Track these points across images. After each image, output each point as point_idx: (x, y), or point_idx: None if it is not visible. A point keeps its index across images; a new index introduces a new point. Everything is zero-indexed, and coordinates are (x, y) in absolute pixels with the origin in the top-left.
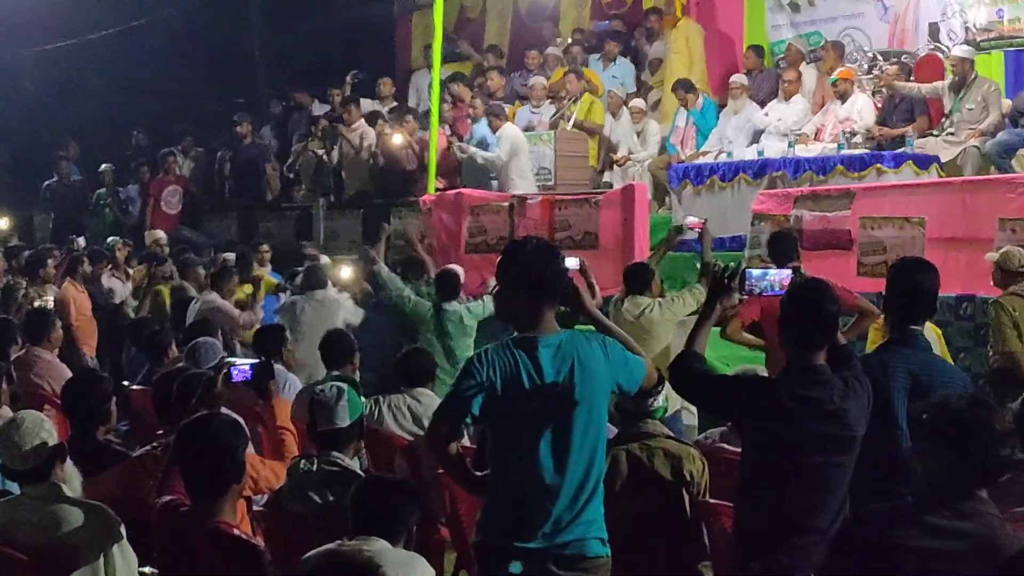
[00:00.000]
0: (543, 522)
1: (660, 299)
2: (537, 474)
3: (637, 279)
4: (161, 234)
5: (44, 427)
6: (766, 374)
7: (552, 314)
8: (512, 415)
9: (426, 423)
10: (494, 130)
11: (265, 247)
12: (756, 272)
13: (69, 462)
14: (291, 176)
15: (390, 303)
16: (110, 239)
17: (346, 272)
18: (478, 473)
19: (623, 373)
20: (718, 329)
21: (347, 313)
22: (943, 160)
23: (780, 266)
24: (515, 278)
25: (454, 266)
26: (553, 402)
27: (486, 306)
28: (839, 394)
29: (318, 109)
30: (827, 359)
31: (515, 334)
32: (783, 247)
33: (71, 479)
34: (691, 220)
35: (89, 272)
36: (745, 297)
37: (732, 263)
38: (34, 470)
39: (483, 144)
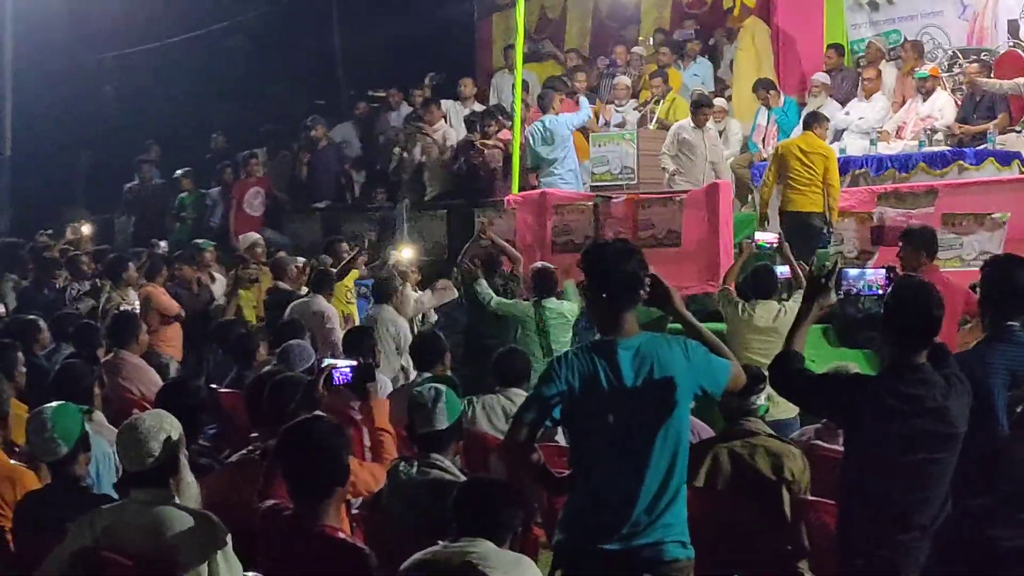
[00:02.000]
0: (621, 524)
1: (787, 303)
2: (615, 477)
3: (763, 284)
4: (256, 236)
5: (163, 427)
6: (859, 371)
7: (632, 316)
8: (591, 418)
9: None
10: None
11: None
12: (853, 272)
13: (188, 471)
14: (395, 179)
15: (486, 310)
16: (201, 241)
17: (407, 254)
18: (560, 472)
19: (706, 376)
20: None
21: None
22: None
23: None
24: (591, 280)
25: (544, 263)
26: (632, 405)
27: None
28: (942, 392)
29: (405, 109)
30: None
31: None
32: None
33: (190, 487)
34: (767, 237)
35: (168, 275)
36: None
37: (827, 263)
38: (152, 472)
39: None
